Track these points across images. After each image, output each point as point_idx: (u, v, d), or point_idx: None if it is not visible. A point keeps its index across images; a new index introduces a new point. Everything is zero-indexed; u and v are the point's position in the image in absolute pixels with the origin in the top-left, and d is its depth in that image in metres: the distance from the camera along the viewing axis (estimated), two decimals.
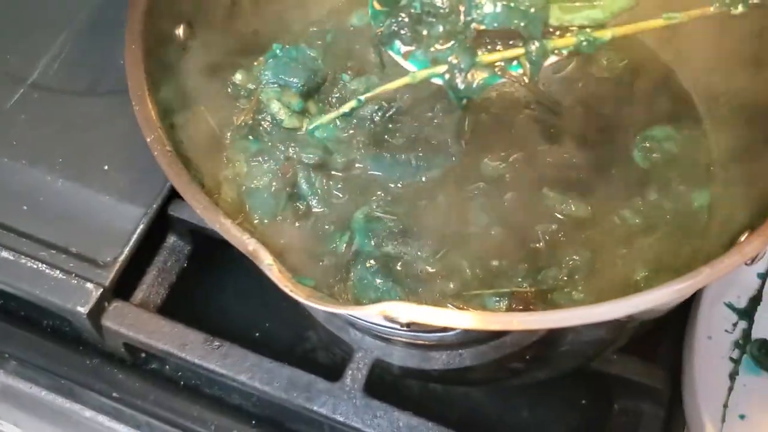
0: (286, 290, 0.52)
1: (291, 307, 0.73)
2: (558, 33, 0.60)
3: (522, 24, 0.59)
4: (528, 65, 0.62)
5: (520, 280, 0.70)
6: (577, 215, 0.73)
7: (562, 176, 0.75)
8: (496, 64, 0.62)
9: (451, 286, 0.70)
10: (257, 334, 0.87)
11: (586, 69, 0.81)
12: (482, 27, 0.61)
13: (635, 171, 0.76)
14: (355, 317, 0.68)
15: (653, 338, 0.79)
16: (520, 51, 0.62)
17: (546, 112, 0.76)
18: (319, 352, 0.86)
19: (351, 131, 0.77)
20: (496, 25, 0.60)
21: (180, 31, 0.73)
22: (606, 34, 0.60)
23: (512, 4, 0.59)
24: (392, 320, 0.52)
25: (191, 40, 0.74)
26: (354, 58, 0.83)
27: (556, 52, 0.61)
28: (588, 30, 0.60)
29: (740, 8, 0.57)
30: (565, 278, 0.70)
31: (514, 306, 0.69)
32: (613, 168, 0.76)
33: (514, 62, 0.63)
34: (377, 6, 0.65)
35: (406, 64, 0.66)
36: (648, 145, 0.77)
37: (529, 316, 0.51)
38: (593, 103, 0.80)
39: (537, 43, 0.60)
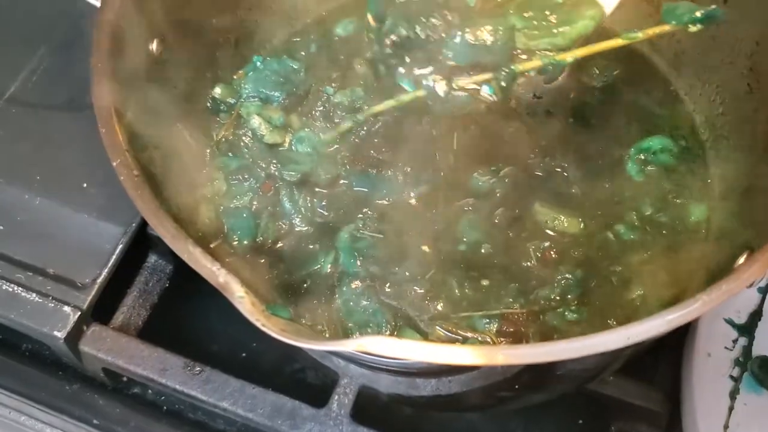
0: (258, 324, 0.50)
1: None
2: (525, 56, 0.64)
3: (489, 57, 0.63)
4: (498, 88, 0.65)
5: (510, 300, 0.68)
6: (570, 231, 0.71)
7: (553, 191, 0.73)
8: (470, 87, 0.65)
9: (440, 307, 0.68)
10: (244, 354, 0.85)
11: (579, 78, 0.79)
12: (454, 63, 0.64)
13: (629, 184, 0.74)
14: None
15: (650, 358, 0.77)
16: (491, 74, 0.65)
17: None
18: (308, 372, 0.84)
19: (335, 146, 0.75)
20: (465, 61, 0.64)
21: (154, 45, 0.70)
22: (567, 57, 0.64)
23: (478, 42, 0.63)
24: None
25: (167, 55, 0.71)
26: (338, 69, 0.80)
27: (525, 74, 0.65)
28: (551, 53, 0.64)
29: (697, 26, 0.59)
30: (558, 298, 0.68)
31: (504, 328, 0.67)
32: (607, 181, 0.74)
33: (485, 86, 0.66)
34: (372, 21, 0.67)
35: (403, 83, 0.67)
36: (643, 157, 0.75)
37: (515, 350, 0.49)
38: (586, 113, 0.78)
39: (505, 70, 0.64)
